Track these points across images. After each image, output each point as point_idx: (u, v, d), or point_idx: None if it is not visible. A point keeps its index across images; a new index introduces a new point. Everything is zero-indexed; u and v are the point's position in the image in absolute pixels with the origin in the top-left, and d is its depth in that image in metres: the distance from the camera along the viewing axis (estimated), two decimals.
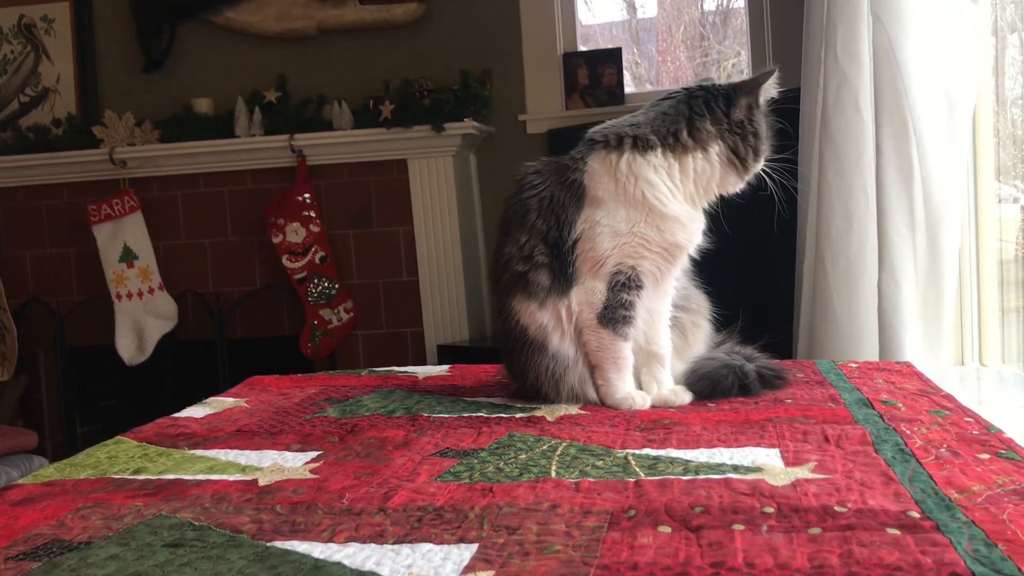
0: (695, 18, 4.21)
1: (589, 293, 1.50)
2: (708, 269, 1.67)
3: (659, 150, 1.49)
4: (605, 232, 1.49)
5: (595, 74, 3.74)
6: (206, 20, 3.91)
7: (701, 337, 1.66)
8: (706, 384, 1.56)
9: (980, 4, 2.46)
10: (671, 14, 4.29)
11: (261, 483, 1.19)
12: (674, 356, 1.61)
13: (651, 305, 1.55)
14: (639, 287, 1.51)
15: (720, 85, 1.54)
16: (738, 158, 1.50)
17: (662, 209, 1.48)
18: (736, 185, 1.54)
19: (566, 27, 3.80)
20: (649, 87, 4.14)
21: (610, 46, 3.90)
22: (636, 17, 4.28)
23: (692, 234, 1.53)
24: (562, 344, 1.53)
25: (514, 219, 1.54)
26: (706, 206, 1.56)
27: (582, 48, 3.86)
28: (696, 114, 1.51)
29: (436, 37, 3.79)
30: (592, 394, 1.55)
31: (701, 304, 1.68)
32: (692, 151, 1.50)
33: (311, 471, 1.23)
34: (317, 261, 3.66)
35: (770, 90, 1.54)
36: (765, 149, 1.53)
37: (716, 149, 1.50)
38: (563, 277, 1.50)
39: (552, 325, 1.52)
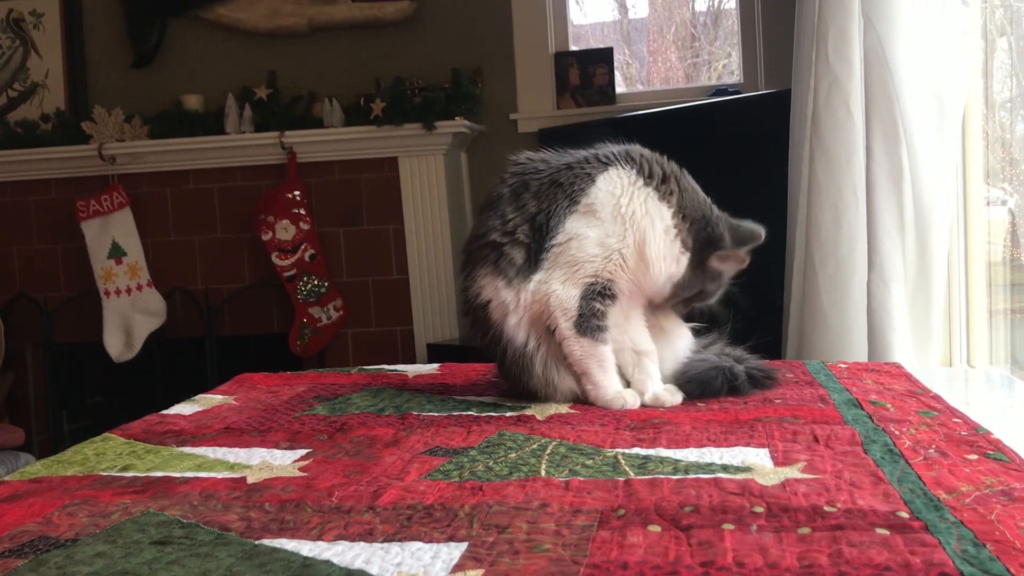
0: (686, 19, 4.22)
1: (564, 300, 1.50)
2: None
3: (666, 207, 1.52)
4: (594, 238, 1.50)
5: (586, 74, 3.75)
6: (196, 16, 3.90)
7: (682, 338, 1.66)
8: (695, 386, 1.56)
9: (971, 6, 2.47)
10: (662, 14, 4.29)
11: (250, 481, 1.18)
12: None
13: (626, 311, 1.56)
14: (612, 298, 1.52)
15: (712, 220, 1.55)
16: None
17: (645, 247, 1.49)
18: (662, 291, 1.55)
19: (558, 26, 3.80)
20: (640, 87, 4.15)
21: (601, 46, 3.90)
22: (627, 17, 4.28)
23: (656, 284, 1.52)
24: (518, 328, 1.53)
25: (507, 196, 1.54)
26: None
27: (573, 48, 3.86)
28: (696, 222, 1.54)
29: (427, 35, 3.78)
30: (557, 378, 1.55)
31: None
32: (681, 238, 1.53)
33: (300, 469, 1.23)
34: (307, 259, 3.65)
35: (725, 266, 1.55)
36: (678, 295, 1.56)
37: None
38: (534, 261, 1.51)
39: (512, 306, 1.52)
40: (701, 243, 1.53)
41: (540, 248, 1.50)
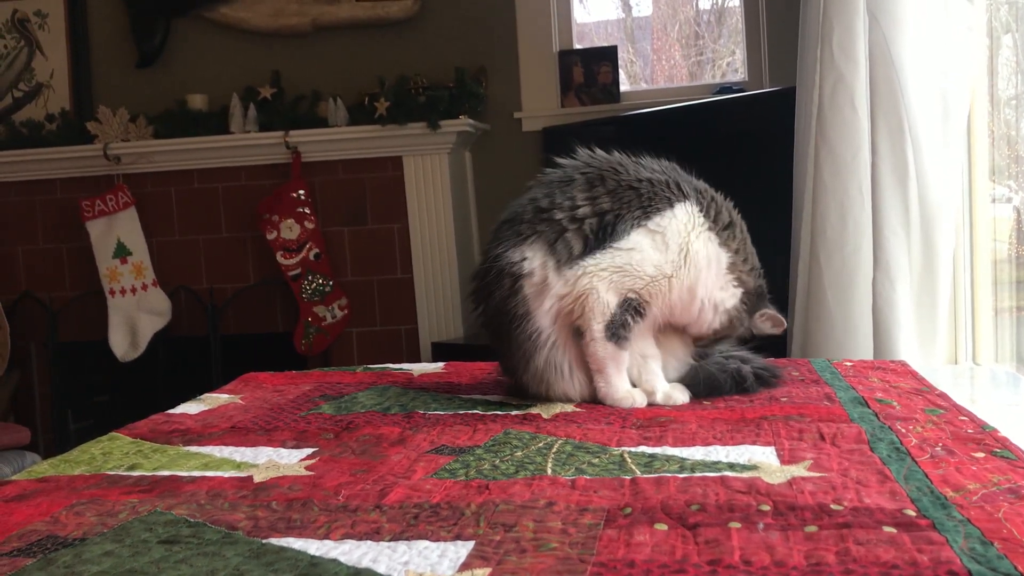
0: (690, 16, 4.21)
1: (605, 303, 1.50)
2: None
3: (729, 257, 1.56)
4: (653, 259, 1.51)
5: (590, 72, 3.74)
6: (201, 15, 3.90)
7: (681, 347, 1.67)
8: (703, 388, 1.57)
9: (976, 4, 2.46)
10: (666, 12, 4.29)
11: (256, 480, 1.18)
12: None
13: (641, 330, 1.57)
14: (643, 317, 1.53)
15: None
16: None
17: (696, 285, 1.52)
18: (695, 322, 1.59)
19: (562, 25, 3.80)
20: (644, 85, 4.14)
21: (605, 44, 3.90)
22: (631, 15, 4.28)
23: (689, 318, 1.56)
24: (547, 316, 1.52)
25: (580, 181, 1.54)
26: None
27: (577, 46, 3.86)
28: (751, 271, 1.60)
29: (431, 34, 3.78)
30: (552, 377, 1.54)
31: None
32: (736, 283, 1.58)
33: (306, 468, 1.23)
34: (311, 258, 3.65)
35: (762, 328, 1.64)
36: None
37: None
38: (585, 254, 1.50)
39: (553, 289, 1.50)
40: (755, 292, 1.60)
41: (598, 246, 1.51)
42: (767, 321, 1.62)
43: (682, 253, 1.52)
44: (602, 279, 1.50)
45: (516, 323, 1.52)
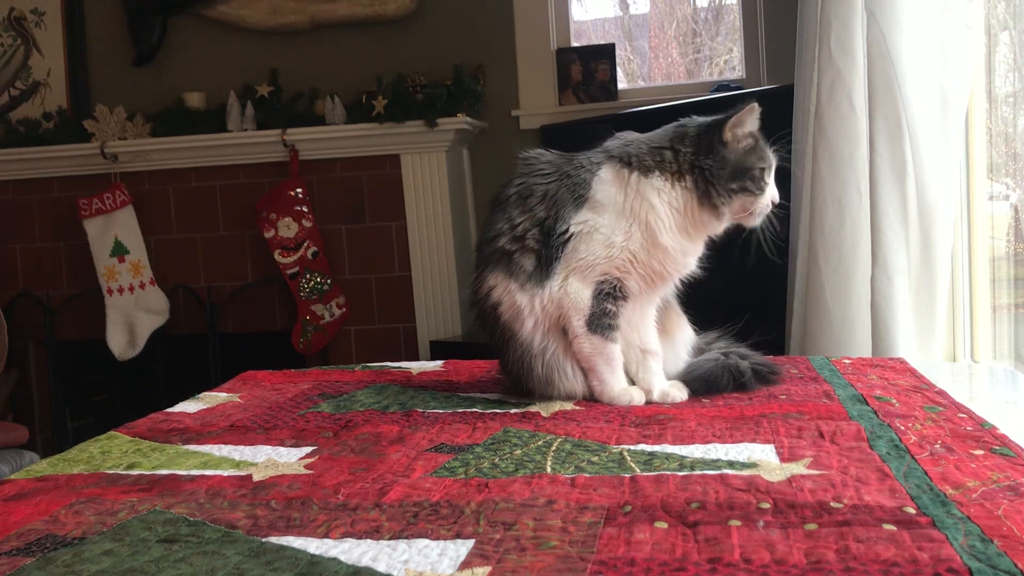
0: (687, 14, 4.21)
1: (577, 299, 1.51)
2: (701, 266, 1.67)
3: (657, 173, 1.51)
4: (600, 239, 1.50)
5: (588, 70, 3.74)
6: (198, 14, 3.89)
7: (684, 341, 1.66)
8: (701, 384, 1.57)
9: (973, 1, 2.46)
10: (663, 10, 4.28)
11: (255, 478, 1.18)
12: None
13: (637, 312, 1.57)
14: (624, 298, 1.53)
15: (700, 121, 1.54)
16: (704, 195, 1.50)
17: (657, 236, 1.50)
18: (712, 224, 1.53)
19: (559, 22, 3.80)
20: (642, 83, 4.14)
21: (603, 42, 3.89)
22: (628, 13, 4.27)
23: (681, 266, 1.55)
24: (535, 331, 1.54)
25: (513, 198, 1.55)
26: (703, 238, 1.56)
27: (575, 44, 3.86)
28: (676, 147, 1.52)
29: (429, 32, 3.78)
30: (557, 378, 1.55)
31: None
32: (679, 180, 1.51)
33: (306, 466, 1.23)
34: (309, 256, 3.65)
35: (746, 125, 1.50)
36: (724, 188, 1.49)
37: (688, 182, 1.51)
38: (546, 267, 1.52)
39: (528, 310, 1.52)
40: (699, 146, 1.50)
41: (551, 253, 1.51)
42: (740, 125, 1.49)
43: (622, 216, 1.50)
44: (570, 284, 1.51)
45: (507, 347, 1.56)
